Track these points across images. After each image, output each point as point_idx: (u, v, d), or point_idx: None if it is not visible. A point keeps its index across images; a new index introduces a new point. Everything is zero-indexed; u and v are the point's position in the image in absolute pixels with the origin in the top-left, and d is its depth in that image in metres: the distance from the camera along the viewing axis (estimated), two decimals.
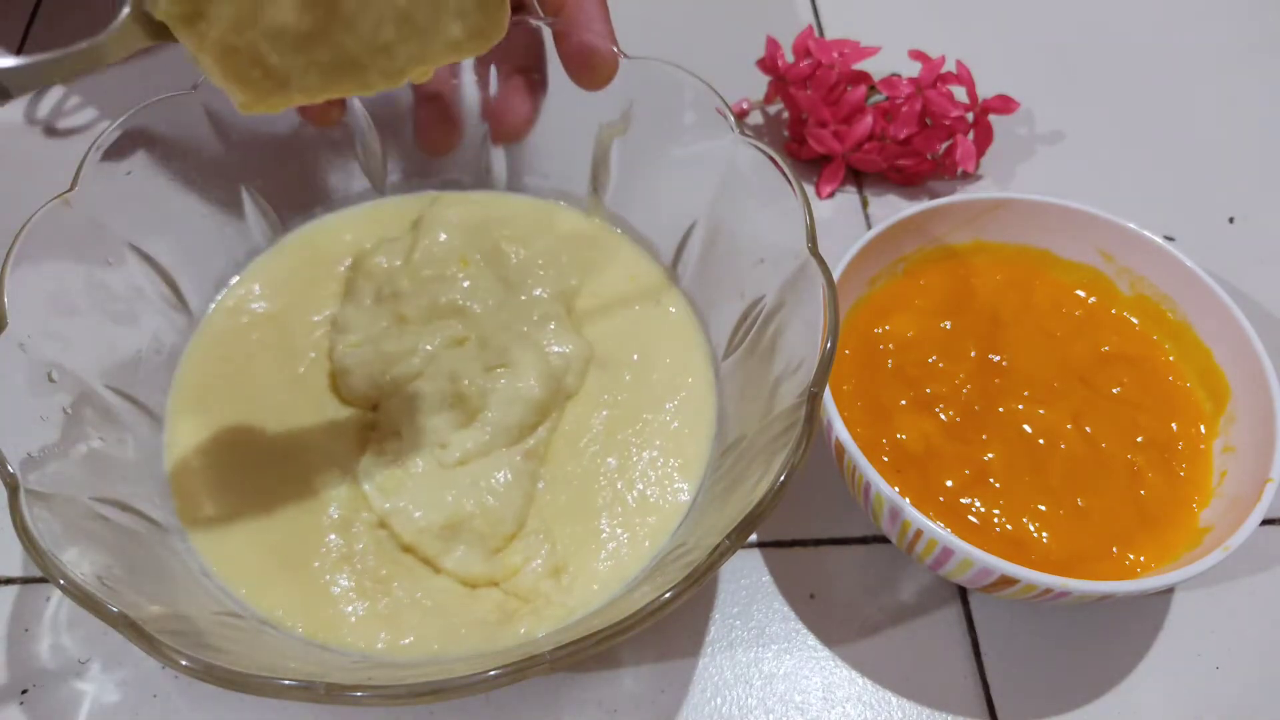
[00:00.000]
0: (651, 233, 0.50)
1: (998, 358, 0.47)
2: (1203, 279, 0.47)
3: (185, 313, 0.47)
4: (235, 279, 0.49)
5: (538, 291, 0.47)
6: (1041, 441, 0.45)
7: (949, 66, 0.60)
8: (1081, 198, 0.49)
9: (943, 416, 0.45)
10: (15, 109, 0.63)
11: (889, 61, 0.61)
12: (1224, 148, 0.64)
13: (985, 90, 0.60)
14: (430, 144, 0.50)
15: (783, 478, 0.33)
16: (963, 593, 0.46)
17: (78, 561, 0.33)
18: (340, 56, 0.34)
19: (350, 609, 0.39)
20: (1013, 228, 0.50)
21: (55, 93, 0.64)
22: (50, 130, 0.62)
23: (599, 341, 0.47)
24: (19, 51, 0.66)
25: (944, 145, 0.60)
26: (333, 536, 0.41)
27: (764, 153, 0.43)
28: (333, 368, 0.46)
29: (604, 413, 0.45)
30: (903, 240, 0.49)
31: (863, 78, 0.60)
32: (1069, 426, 0.45)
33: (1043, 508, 0.43)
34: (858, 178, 0.62)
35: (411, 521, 0.41)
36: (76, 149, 0.42)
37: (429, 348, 0.45)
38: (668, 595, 0.32)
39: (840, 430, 0.41)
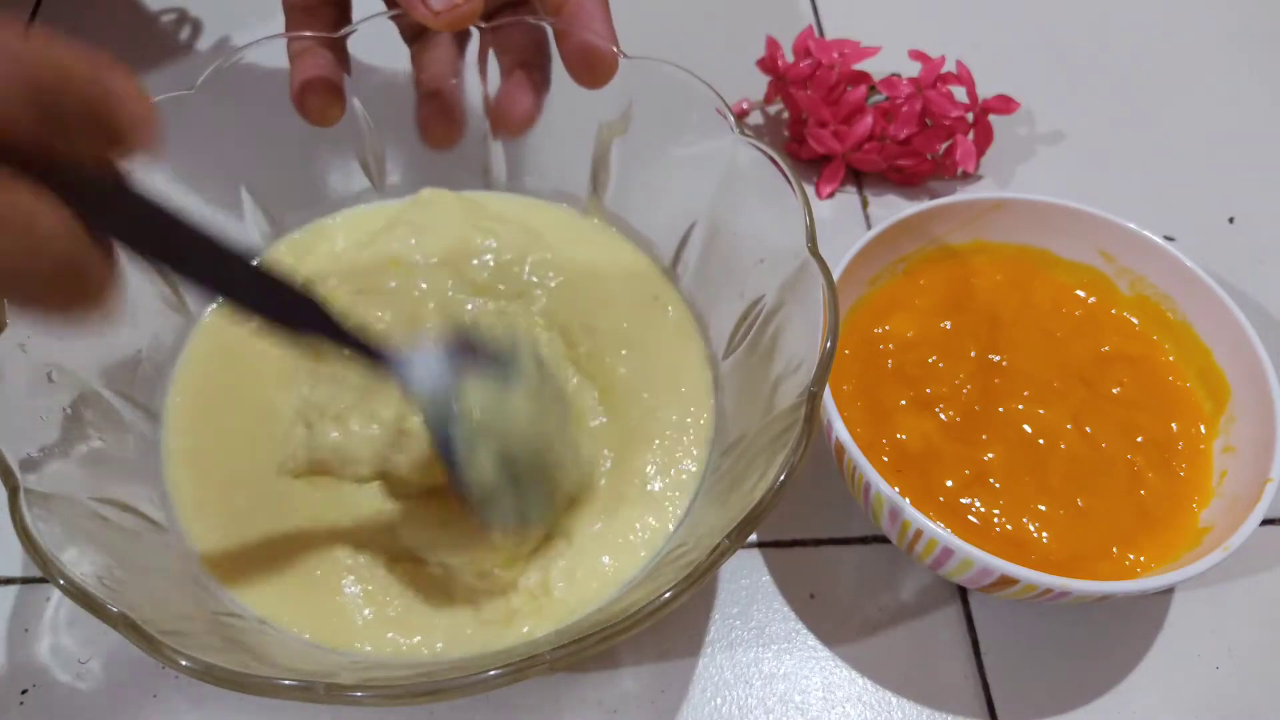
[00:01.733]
0: (651, 233, 0.50)
1: (998, 358, 0.47)
2: (1203, 279, 0.47)
3: (185, 313, 0.47)
4: None
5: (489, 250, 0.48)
6: (1041, 441, 0.45)
7: (949, 67, 0.60)
8: (1081, 198, 0.49)
9: (943, 416, 0.45)
10: None
11: (889, 61, 0.61)
12: (1224, 148, 0.64)
13: (985, 90, 0.60)
14: (433, 139, 0.50)
15: (782, 478, 0.33)
16: (963, 593, 0.46)
17: (78, 561, 0.33)
18: None
19: (354, 609, 0.39)
20: (1013, 228, 0.50)
21: None
22: None
23: (597, 342, 0.47)
24: None
25: (944, 145, 0.60)
26: (334, 537, 0.41)
27: (764, 153, 0.43)
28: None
29: (602, 414, 0.45)
30: (903, 240, 0.49)
31: (863, 78, 0.60)
32: (1069, 426, 0.45)
33: (1043, 508, 0.43)
34: (858, 178, 0.62)
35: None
36: None
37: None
38: (668, 595, 0.32)
39: (840, 430, 0.41)
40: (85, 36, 0.67)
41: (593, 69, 0.45)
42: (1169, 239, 0.48)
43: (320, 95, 0.46)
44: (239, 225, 0.48)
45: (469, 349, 0.37)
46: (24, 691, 0.42)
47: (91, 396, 0.40)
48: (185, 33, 0.68)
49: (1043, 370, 0.47)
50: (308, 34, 0.46)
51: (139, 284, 0.44)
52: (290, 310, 0.32)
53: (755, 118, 0.65)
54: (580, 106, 0.47)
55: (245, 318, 0.31)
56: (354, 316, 0.34)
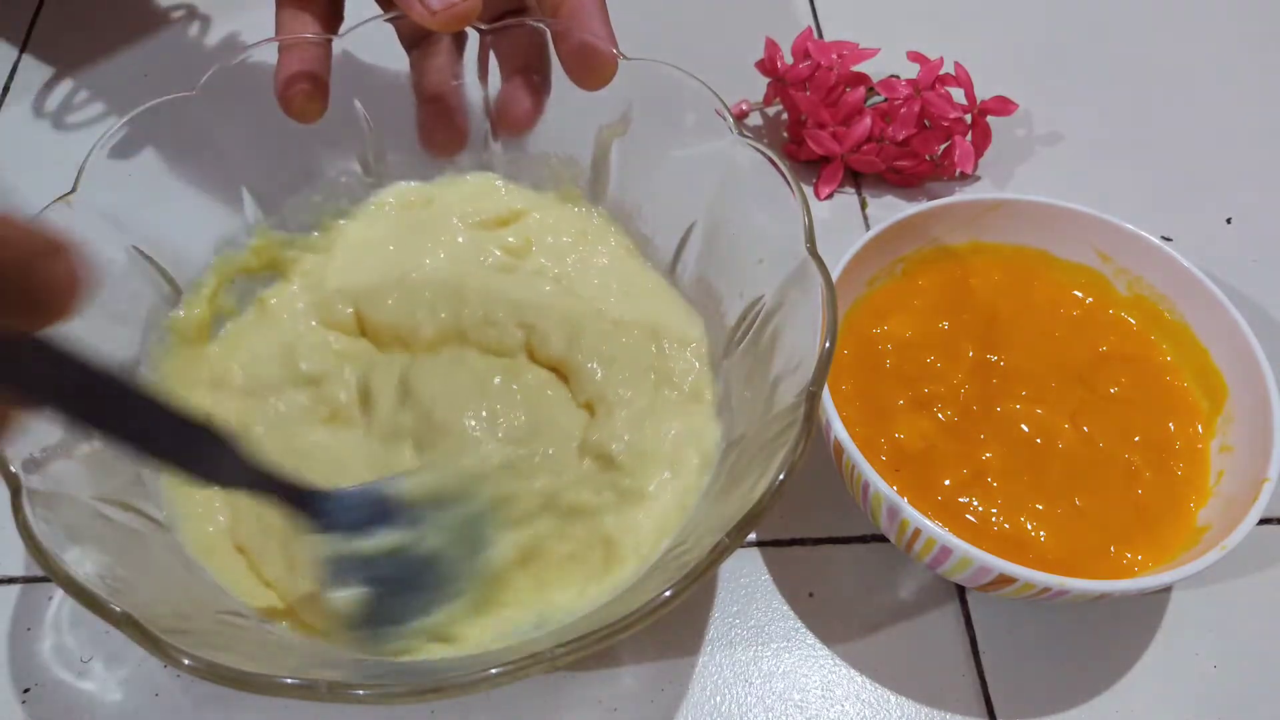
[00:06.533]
0: (651, 233, 0.50)
1: (995, 358, 0.48)
2: (1200, 279, 0.47)
3: None
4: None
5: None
6: (1039, 441, 0.45)
7: (947, 68, 0.60)
8: (1079, 198, 0.50)
9: (941, 416, 0.46)
10: (24, 102, 0.63)
11: (887, 63, 0.61)
12: (1222, 148, 0.65)
13: (983, 92, 0.60)
14: (435, 146, 0.50)
15: (781, 476, 0.34)
16: (961, 591, 0.47)
17: (80, 561, 0.33)
18: None
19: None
20: (1010, 228, 0.50)
21: (65, 86, 0.64)
22: (59, 124, 0.63)
23: (594, 343, 0.47)
24: (23, 46, 0.66)
25: (942, 146, 0.60)
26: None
27: (763, 154, 0.43)
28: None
29: (600, 414, 0.45)
30: (901, 241, 0.49)
31: (861, 79, 0.60)
32: (1066, 426, 0.45)
33: (1040, 507, 0.43)
34: (856, 179, 0.62)
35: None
36: (84, 142, 0.42)
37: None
38: (668, 593, 0.32)
39: (839, 429, 0.42)
40: (93, 33, 0.68)
41: (592, 70, 0.45)
42: (1166, 239, 0.49)
43: (303, 90, 0.45)
44: (241, 226, 0.48)
45: (385, 506, 0.37)
46: (26, 690, 0.43)
47: None
48: (194, 29, 0.68)
49: (1040, 370, 0.47)
50: (308, 36, 0.46)
51: (141, 285, 0.44)
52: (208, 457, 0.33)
53: (754, 119, 0.65)
54: (579, 108, 0.47)
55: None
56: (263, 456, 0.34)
